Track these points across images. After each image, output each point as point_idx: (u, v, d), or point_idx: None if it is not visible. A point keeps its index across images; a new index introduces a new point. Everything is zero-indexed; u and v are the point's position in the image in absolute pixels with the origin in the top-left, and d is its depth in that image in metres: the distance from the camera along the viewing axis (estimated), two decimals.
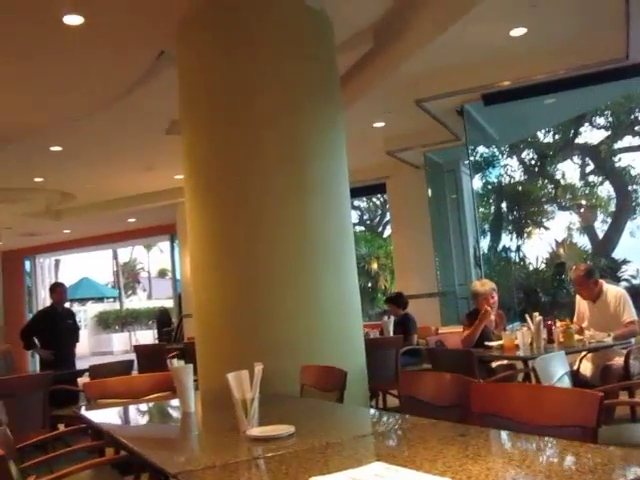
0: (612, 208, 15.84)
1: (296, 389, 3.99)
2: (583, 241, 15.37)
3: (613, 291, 5.66)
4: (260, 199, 4.66)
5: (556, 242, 13.03)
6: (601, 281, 5.73)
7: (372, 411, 3.68)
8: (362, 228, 23.53)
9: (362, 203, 23.33)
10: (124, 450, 2.88)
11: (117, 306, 37.08)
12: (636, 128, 14.93)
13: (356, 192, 12.37)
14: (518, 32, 6.09)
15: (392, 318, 7.58)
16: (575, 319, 5.89)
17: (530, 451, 1.95)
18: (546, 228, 14.70)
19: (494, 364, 5.57)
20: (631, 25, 5.76)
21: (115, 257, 41.10)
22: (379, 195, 17.72)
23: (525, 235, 14.14)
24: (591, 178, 16.10)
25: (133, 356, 8.76)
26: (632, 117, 14.53)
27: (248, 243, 4.66)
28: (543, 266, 11.58)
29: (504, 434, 2.15)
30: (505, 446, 1.97)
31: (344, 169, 5.09)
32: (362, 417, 3.11)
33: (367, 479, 1.76)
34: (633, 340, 5.52)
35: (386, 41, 6.44)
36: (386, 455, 2.04)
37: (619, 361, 5.27)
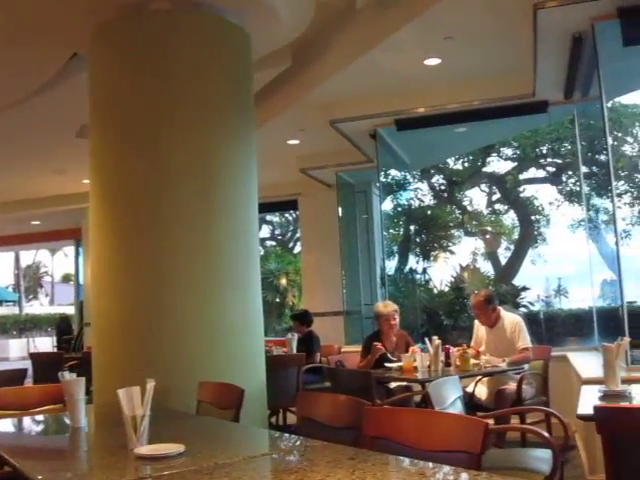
0: (515, 236, 16.41)
1: (194, 406, 3.94)
2: (487, 267, 15.87)
3: (510, 318, 5.85)
4: (166, 212, 4.61)
5: (460, 266, 13.39)
6: (499, 308, 5.92)
7: (265, 432, 3.67)
8: (273, 243, 23.53)
9: (275, 218, 23.34)
10: (7, 466, 2.77)
11: (17, 310, 35.74)
12: (540, 161, 15.55)
13: (268, 207, 12.43)
14: (432, 62, 6.27)
15: (296, 335, 7.60)
16: (473, 343, 6.05)
17: (414, 476, 1.99)
18: (452, 252, 15.10)
19: (393, 385, 5.65)
20: (538, 65, 6.01)
21: (17, 260, 39.67)
22: (292, 211, 17.77)
23: (431, 258, 14.50)
24: (497, 206, 16.65)
25: (29, 364, 8.45)
26: (537, 150, 15.12)
27: (150, 255, 4.60)
28: (447, 289, 11.88)
29: (392, 458, 2.19)
30: (391, 471, 2.00)
31: (254, 187, 5.10)
32: (255, 437, 3.10)
33: None
34: (526, 366, 5.72)
35: (304, 61, 6.51)
36: (273, 477, 2.04)
37: (512, 386, 5.45)
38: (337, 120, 7.41)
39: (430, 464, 2.08)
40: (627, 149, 15.30)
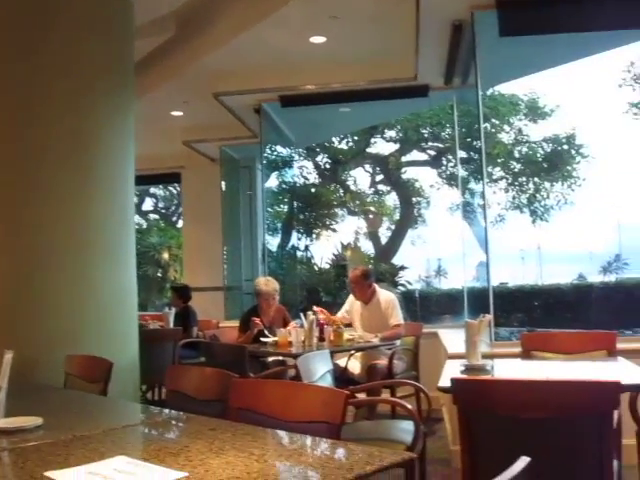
0: (397, 217, 16.82)
1: (62, 380, 3.84)
2: (368, 246, 16.19)
3: (384, 295, 6.01)
4: (36, 183, 4.43)
5: (342, 245, 13.61)
6: (375, 285, 6.06)
7: (131, 405, 3.62)
8: (157, 216, 23.07)
9: (159, 191, 22.87)
10: None
11: None
12: (422, 144, 15.98)
13: (151, 179, 12.18)
14: (318, 40, 6.29)
15: (173, 310, 7.52)
16: (339, 314, 6.15)
17: (273, 446, 2.02)
18: (334, 231, 15.31)
19: (270, 359, 5.70)
20: (420, 50, 6.15)
21: None
22: (175, 184, 17.47)
23: (314, 236, 14.66)
24: (380, 187, 17.00)
25: None
26: (419, 134, 15.52)
27: (20, 226, 4.42)
28: (327, 267, 12.06)
29: (252, 429, 2.21)
30: (251, 441, 2.02)
31: (130, 158, 4.98)
32: (119, 410, 3.05)
33: (105, 473, 1.73)
34: (398, 342, 5.90)
35: (188, 31, 6.39)
36: (132, 449, 2.03)
37: (384, 361, 5.61)
38: (221, 93, 7.32)
39: (289, 434, 2.11)
40: (504, 137, 15.99)
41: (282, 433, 2.14)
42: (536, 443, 2.53)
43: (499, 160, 15.71)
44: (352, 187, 16.67)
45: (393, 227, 16.85)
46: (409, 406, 3.49)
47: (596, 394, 2.42)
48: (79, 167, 4.57)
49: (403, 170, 16.53)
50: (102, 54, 4.78)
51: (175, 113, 8.47)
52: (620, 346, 4.40)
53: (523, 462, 1.34)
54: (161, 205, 23.34)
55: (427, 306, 12.62)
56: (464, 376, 3.29)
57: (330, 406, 2.30)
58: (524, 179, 15.99)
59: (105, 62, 4.80)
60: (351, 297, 6.18)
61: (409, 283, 13.25)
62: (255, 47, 6.27)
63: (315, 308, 5.81)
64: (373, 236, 16.66)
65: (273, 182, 15.39)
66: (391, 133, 15.90)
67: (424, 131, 15.48)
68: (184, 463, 1.78)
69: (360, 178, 16.93)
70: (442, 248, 18.63)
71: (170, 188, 21.83)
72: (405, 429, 3.58)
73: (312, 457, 1.89)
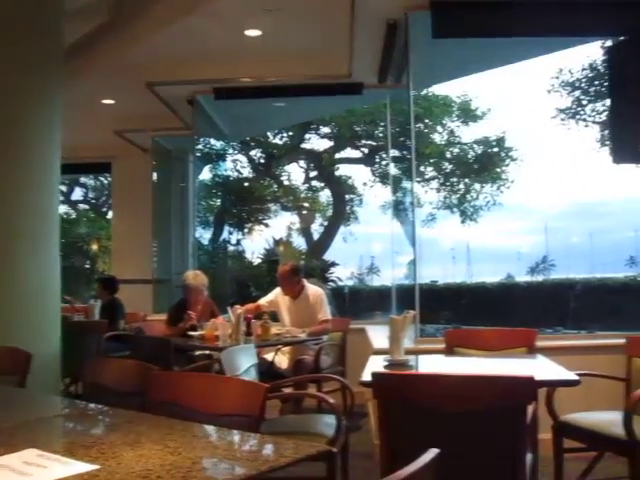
0: (330, 213, 16.89)
1: None
2: (300, 242, 16.21)
3: (313, 290, 6.03)
4: None
5: (274, 240, 13.60)
6: (304, 280, 6.08)
7: (48, 397, 3.53)
8: (86, 207, 22.57)
9: (89, 181, 22.37)
10: None
11: None
12: (356, 142, 16.08)
13: (81, 169, 11.91)
14: (253, 33, 6.26)
15: (99, 302, 7.38)
16: (262, 301, 6.14)
17: (189, 439, 2.00)
18: (267, 225, 15.28)
19: (197, 353, 5.65)
20: (354, 47, 6.18)
21: None
22: (106, 174, 17.12)
23: (246, 230, 14.60)
24: (314, 183, 17.03)
25: None
26: (353, 131, 15.61)
27: None
28: (258, 261, 12.03)
29: (171, 422, 2.18)
30: (167, 434, 2.00)
31: (56, 147, 4.86)
32: (35, 402, 2.97)
33: (14, 467, 1.69)
34: (325, 337, 5.93)
35: (121, 18, 6.27)
36: (44, 442, 1.98)
37: (311, 355, 5.64)
38: (154, 83, 7.22)
39: (207, 427, 2.10)
40: (437, 137, 16.23)
41: (199, 426, 2.13)
42: (454, 436, 2.58)
43: (431, 160, 15.95)
44: (286, 182, 16.66)
45: (326, 223, 16.91)
46: (331, 400, 3.52)
47: (510, 388, 2.49)
48: (2, 153, 4.44)
49: (337, 167, 16.60)
50: (28, 37, 4.64)
51: (106, 101, 8.29)
52: (540, 344, 4.54)
53: (432, 453, 1.37)
54: (91, 195, 22.85)
55: (357, 302, 12.74)
56: (384, 370, 3.34)
57: (250, 399, 2.30)
58: (455, 179, 16.28)
59: (32, 45, 4.67)
60: (278, 288, 6.18)
61: (339, 279, 13.34)
62: (189, 37, 6.20)
63: (240, 309, 5.77)
64: (306, 232, 16.69)
65: (206, 175, 15.29)
66: (325, 129, 15.95)
67: (358, 129, 15.58)
68: (96, 456, 1.75)
69: (294, 173, 16.95)
70: (375, 246, 18.84)
71: (101, 178, 21.39)
72: (328, 423, 3.61)
73: (227, 450, 1.89)
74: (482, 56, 6.98)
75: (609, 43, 5.59)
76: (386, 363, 3.60)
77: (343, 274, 18.44)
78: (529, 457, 2.89)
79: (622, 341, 4.32)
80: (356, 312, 11.14)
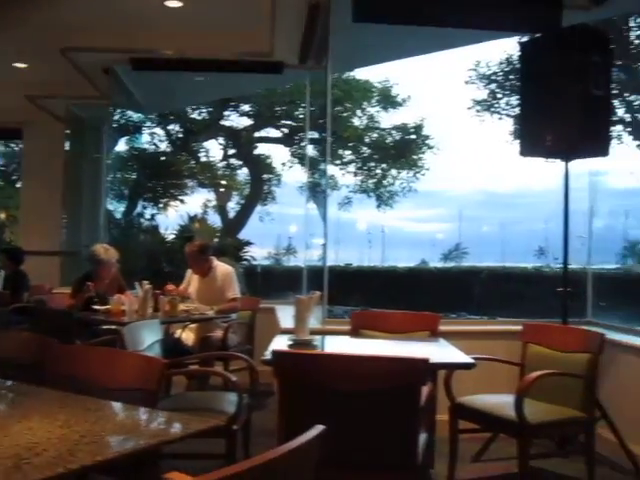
0: (247, 192, 16.80)
1: None
2: (216, 219, 16.09)
3: (222, 269, 6.01)
4: None
5: (189, 216, 13.45)
6: (213, 258, 6.05)
7: None
8: None
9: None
10: None
11: None
12: (276, 121, 16.02)
13: None
14: (173, 4, 6.13)
15: (3, 273, 7.15)
16: (182, 286, 6.11)
17: (81, 412, 1.97)
18: (182, 201, 15.09)
19: (103, 327, 5.55)
20: (276, 26, 6.15)
21: None
22: (17, 141, 16.51)
23: (161, 205, 14.38)
24: (232, 161, 16.89)
25: None
26: (273, 110, 15.54)
27: None
28: (172, 237, 11.88)
29: (64, 395, 2.15)
30: (59, 407, 1.97)
31: None
32: None
33: None
34: (234, 315, 5.93)
35: None
36: None
37: (219, 333, 5.63)
38: (69, 49, 6.97)
39: (100, 400, 2.08)
40: (356, 121, 16.35)
41: (93, 400, 2.10)
42: (350, 414, 2.64)
43: (350, 144, 16.06)
44: (204, 159, 16.46)
45: (243, 202, 16.82)
46: (233, 378, 3.54)
47: (405, 369, 2.56)
48: None
49: (256, 146, 16.52)
50: None
51: (18, 65, 7.98)
52: (443, 328, 4.66)
53: (317, 430, 1.40)
54: (0, 162, 22.00)
55: (270, 282, 12.77)
56: (284, 349, 3.38)
57: (147, 374, 2.29)
58: (373, 164, 16.46)
59: None
60: (189, 270, 6.14)
61: (254, 259, 13.33)
62: (108, 4, 6.02)
63: (168, 287, 5.72)
64: (222, 210, 16.57)
65: (122, 147, 14.96)
66: (246, 107, 15.83)
67: (278, 108, 15.53)
68: None
69: (212, 150, 16.76)
70: (293, 226, 18.88)
71: (12, 145, 20.61)
72: (230, 401, 3.62)
73: (119, 424, 1.88)
74: (402, 43, 7.06)
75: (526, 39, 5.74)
76: (290, 342, 3.63)
77: (260, 254, 18.43)
78: (423, 437, 2.99)
79: (519, 327, 4.50)
80: (268, 292, 11.15)
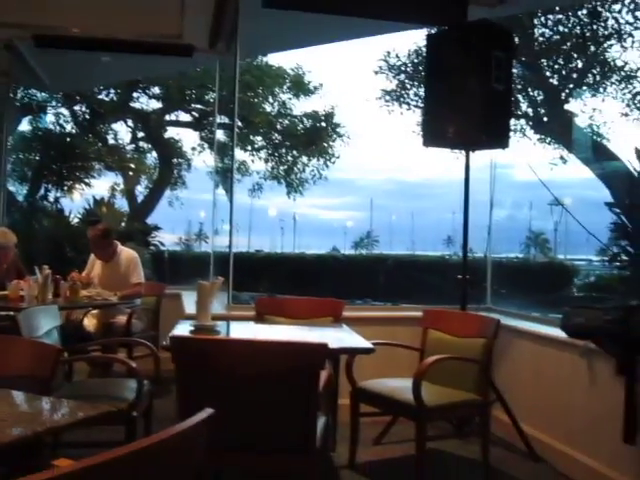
0: (156, 176, 16.48)
1: None
2: (123, 203, 15.72)
3: (126, 254, 5.91)
4: None
5: (95, 200, 13.10)
6: (117, 243, 5.94)
7: None
8: None
9: None
10: None
11: None
12: (186, 105, 15.75)
13: None
14: None
15: None
16: (84, 273, 5.98)
17: None
18: (88, 185, 14.65)
19: (2, 313, 5.37)
20: (185, 8, 6.06)
21: None
22: None
23: (66, 188, 13.93)
24: (141, 144, 16.51)
25: None
26: (184, 94, 15.27)
27: None
28: (77, 221, 11.56)
29: None
30: None
31: None
32: None
33: None
34: (138, 301, 5.84)
35: None
36: None
37: (122, 319, 5.54)
38: None
39: None
40: (268, 107, 16.28)
41: None
42: (249, 399, 2.66)
43: (262, 130, 15.99)
44: (111, 141, 16.03)
45: (151, 186, 16.51)
46: (133, 364, 3.50)
47: (303, 354, 2.60)
48: None
49: (165, 129, 16.22)
50: None
51: None
52: (347, 314, 4.74)
53: (205, 413, 1.40)
54: None
55: (177, 268, 12.61)
56: (181, 334, 3.37)
57: (40, 361, 2.25)
58: (284, 151, 16.44)
59: None
60: (92, 255, 6.01)
61: (162, 244, 13.13)
62: None
63: (73, 275, 5.57)
64: (130, 194, 16.21)
65: (26, 127, 14.43)
66: (155, 90, 15.50)
67: (188, 92, 15.29)
68: None
69: (121, 133, 16.34)
70: (203, 212, 18.71)
71: None
72: (131, 387, 3.58)
73: (6, 411, 1.83)
74: (312, 31, 7.07)
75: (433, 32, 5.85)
76: (192, 328, 3.62)
77: (171, 240, 18.17)
78: (322, 421, 3.04)
79: (420, 314, 4.62)
80: (176, 278, 11.01)
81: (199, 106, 15.74)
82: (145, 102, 15.88)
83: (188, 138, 16.66)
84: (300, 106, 16.42)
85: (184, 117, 16.25)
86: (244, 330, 4.19)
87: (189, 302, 5.80)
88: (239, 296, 8.21)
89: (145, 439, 1.18)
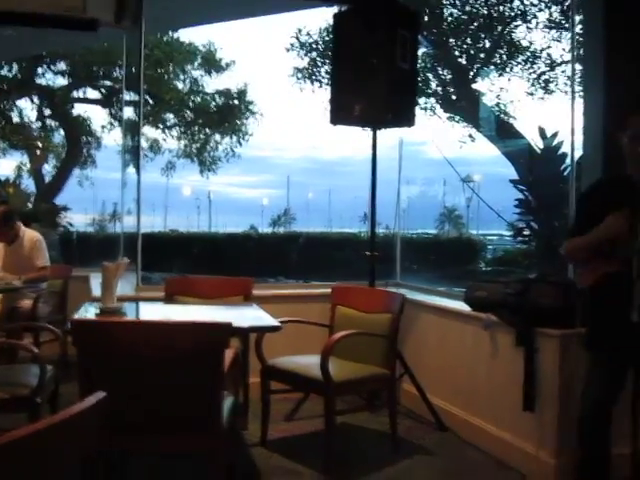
0: (64, 155, 16.00)
1: None
2: (30, 183, 15.21)
3: (30, 236, 5.72)
4: None
5: (0, 181, 12.62)
6: (19, 224, 5.74)
7: None
8: None
9: None
10: None
11: None
12: (94, 82, 15.32)
13: None
14: None
15: None
16: None
17: None
18: None
19: None
20: None
21: None
22: None
23: None
24: (48, 122, 15.98)
25: None
26: (91, 70, 14.85)
27: None
28: None
29: None
30: None
31: None
32: None
33: None
34: (44, 285, 5.68)
35: None
36: None
37: (27, 304, 5.38)
38: None
39: None
40: (180, 84, 16.01)
41: None
42: (154, 380, 2.64)
43: (173, 107, 15.72)
44: (16, 119, 15.44)
45: (59, 165, 16.01)
46: (35, 350, 3.42)
47: (207, 334, 2.59)
48: None
49: (72, 106, 15.72)
50: None
51: None
52: (258, 292, 4.75)
53: (96, 397, 1.39)
54: None
55: (88, 249, 12.31)
56: (82, 318, 3.31)
57: None
58: (196, 129, 16.22)
59: None
60: None
61: (71, 225, 12.80)
62: None
63: None
64: (36, 174, 15.68)
65: None
66: (61, 65, 15.00)
67: (96, 68, 14.86)
68: None
69: (26, 110, 15.75)
70: (117, 192, 18.24)
71: None
72: (35, 373, 3.49)
73: None
74: (221, 6, 6.99)
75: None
76: (97, 311, 3.55)
77: (84, 220, 17.71)
78: (229, 400, 3.04)
79: (329, 290, 4.66)
80: (86, 259, 10.75)
81: (108, 83, 15.33)
82: (51, 78, 15.36)
83: (97, 116, 16.26)
84: (212, 83, 16.24)
85: (92, 94, 15.81)
86: (152, 311, 4.14)
87: (97, 284, 5.68)
88: (151, 277, 8.11)
89: (32, 425, 1.16)
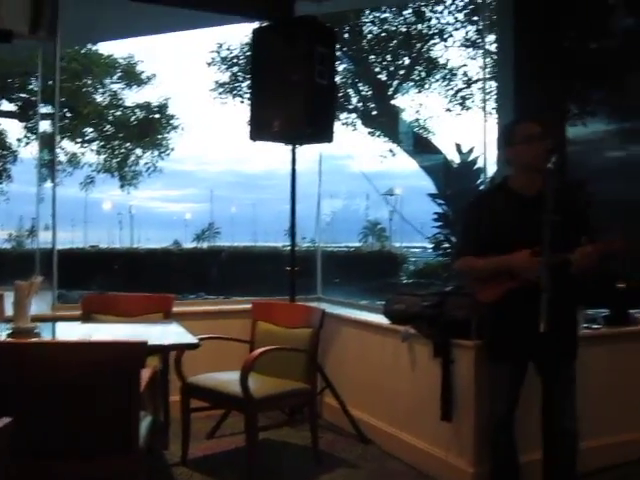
0: None
1: None
2: None
3: None
4: None
5: None
6: None
7: None
8: None
9: None
10: None
11: None
12: (9, 95, 14.92)
13: None
14: None
15: None
16: None
17: None
18: None
19: None
20: None
21: None
22: None
23: None
24: None
25: None
26: (4, 82, 14.45)
27: None
28: None
29: None
30: None
31: None
32: None
33: None
34: None
35: None
36: None
37: None
38: None
39: None
40: (99, 98, 15.72)
41: None
42: (72, 403, 2.56)
43: (93, 121, 15.43)
44: None
45: None
46: None
47: (121, 354, 2.54)
48: None
49: None
50: None
51: None
52: (178, 309, 4.70)
53: (1, 422, 1.35)
54: None
55: (3, 267, 11.93)
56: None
57: None
58: (116, 143, 15.95)
59: None
60: None
61: None
62: None
63: None
64: None
65: None
66: None
67: (11, 80, 14.46)
68: None
69: None
70: (32, 206, 17.71)
71: None
72: None
73: None
74: (140, 20, 6.90)
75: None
76: (9, 331, 3.44)
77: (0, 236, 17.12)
78: (148, 420, 3.00)
79: (250, 306, 4.66)
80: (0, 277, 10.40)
81: (24, 95, 14.92)
82: None
83: (13, 129, 15.80)
84: (132, 97, 16.01)
85: (7, 106, 15.34)
86: (69, 331, 4.02)
87: (10, 304, 5.50)
88: (69, 295, 7.90)
89: None
